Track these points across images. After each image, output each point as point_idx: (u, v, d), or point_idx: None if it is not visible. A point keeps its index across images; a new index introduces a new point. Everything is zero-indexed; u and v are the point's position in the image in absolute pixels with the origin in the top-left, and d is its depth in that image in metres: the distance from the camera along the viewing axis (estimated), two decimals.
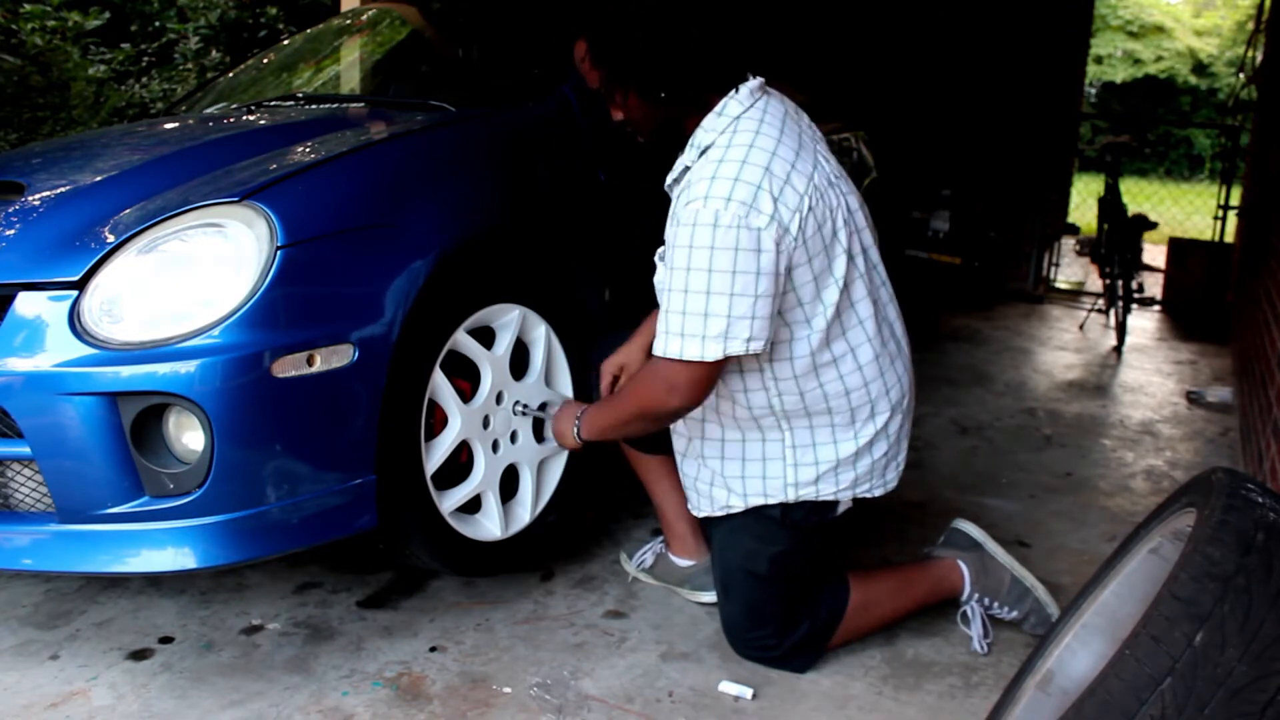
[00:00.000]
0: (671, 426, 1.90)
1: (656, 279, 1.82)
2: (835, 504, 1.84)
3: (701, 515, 1.89)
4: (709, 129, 1.69)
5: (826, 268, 1.67)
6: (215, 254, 1.68)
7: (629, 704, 1.76)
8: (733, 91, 1.69)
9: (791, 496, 1.79)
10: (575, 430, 1.89)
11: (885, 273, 1.84)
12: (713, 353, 1.58)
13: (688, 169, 1.71)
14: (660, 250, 1.80)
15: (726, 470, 1.82)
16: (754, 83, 1.71)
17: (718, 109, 1.69)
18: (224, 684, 1.79)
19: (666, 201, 1.79)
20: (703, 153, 1.68)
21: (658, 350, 1.63)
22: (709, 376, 1.63)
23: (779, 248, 1.57)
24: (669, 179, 1.78)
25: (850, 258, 1.71)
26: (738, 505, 1.82)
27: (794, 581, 1.85)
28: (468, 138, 2.20)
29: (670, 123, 1.73)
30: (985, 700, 1.79)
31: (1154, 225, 5.44)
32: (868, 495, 1.84)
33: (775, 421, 1.77)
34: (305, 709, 1.72)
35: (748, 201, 1.56)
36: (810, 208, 1.62)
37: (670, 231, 1.66)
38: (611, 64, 1.70)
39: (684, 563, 2.16)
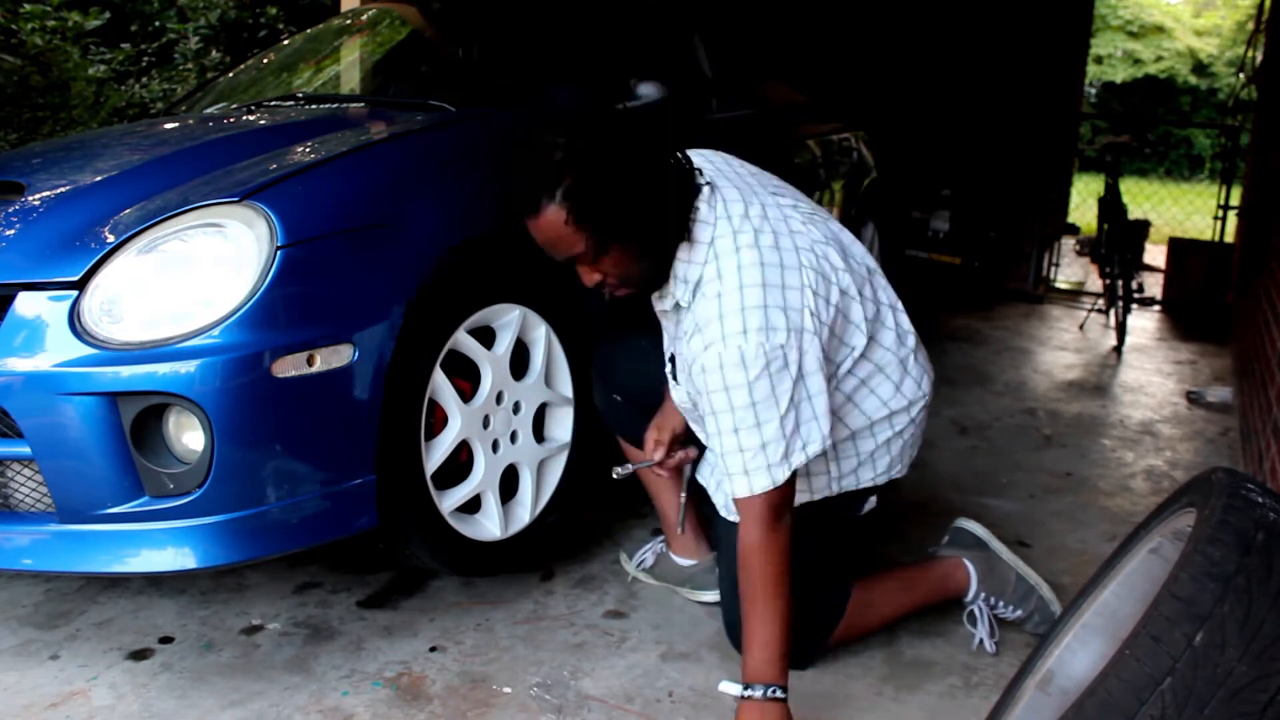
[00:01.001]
0: (707, 452, 1.91)
1: (676, 397, 1.83)
2: (865, 499, 1.88)
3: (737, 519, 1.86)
4: (689, 261, 1.62)
5: (845, 321, 1.68)
6: (215, 254, 1.68)
7: (629, 704, 1.76)
8: (692, 213, 1.62)
9: (835, 490, 1.82)
10: (752, 696, 1.59)
11: (874, 263, 1.84)
12: (781, 476, 1.58)
13: (679, 304, 1.67)
14: (670, 369, 1.82)
15: None
16: (703, 191, 1.64)
17: (687, 239, 1.62)
18: (224, 684, 1.79)
19: None
20: (695, 288, 1.63)
21: (738, 494, 1.61)
22: (787, 489, 1.62)
23: (802, 349, 1.57)
24: (660, 305, 1.74)
25: (860, 295, 1.71)
26: None
27: (807, 579, 1.84)
28: (468, 138, 2.20)
29: (658, 260, 1.63)
30: (985, 700, 1.79)
31: (1148, 225, 5.45)
32: (898, 475, 1.90)
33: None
34: (305, 709, 1.72)
35: (763, 326, 1.54)
36: (815, 291, 1.61)
37: (697, 379, 1.61)
38: (598, 220, 1.52)
39: (685, 562, 2.16)
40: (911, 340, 1.84)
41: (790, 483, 1.61)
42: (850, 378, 1.74)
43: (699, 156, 1.76)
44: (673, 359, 1.81)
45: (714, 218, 1.63)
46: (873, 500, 1.90)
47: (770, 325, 1.55)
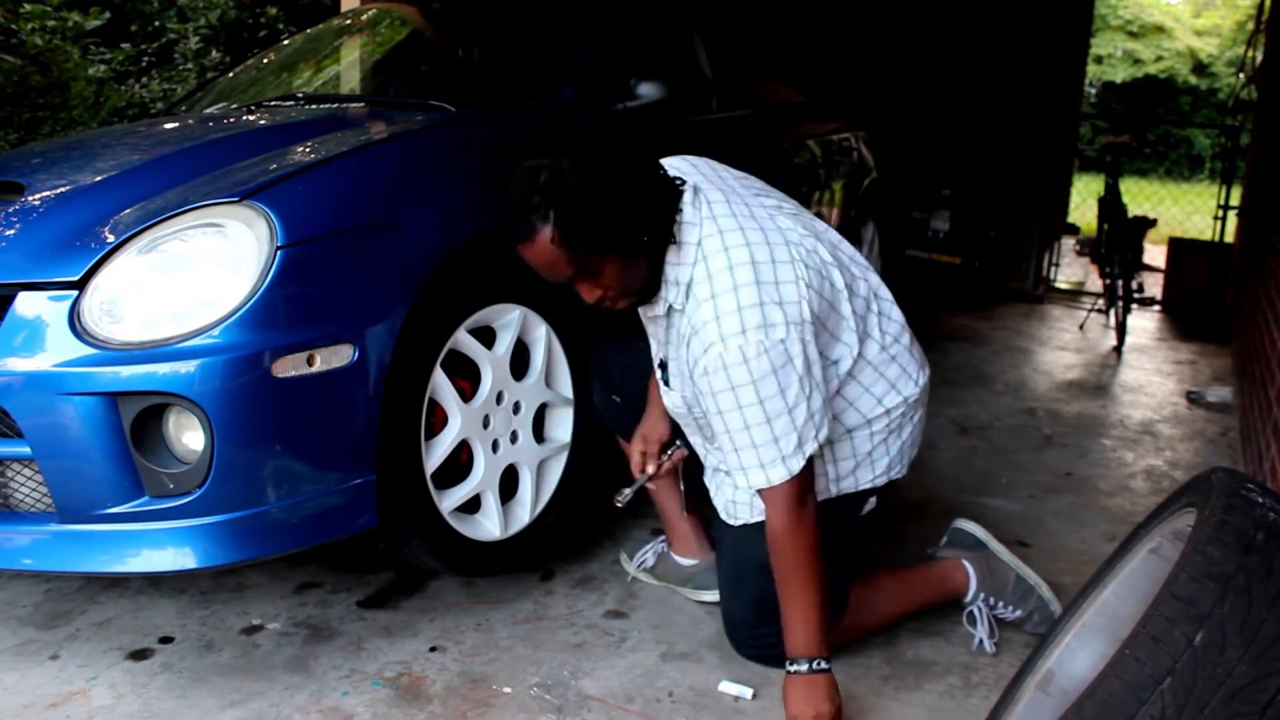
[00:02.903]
0: (703, 452, 1.91)
1: (668, 402, 1.84)
2: (864, 501, 1.87)
3: (739, 524, 1.86)
4: (678, 263, 1.64)
5: (833, 312, 1.69)
6: (215, 254, 1.68)
7: (629, 704, 1.76)
8: (679, 216, 1.64)
9: (833, 491, 1.81)
10: (799, 670, 1.64)
11: (864, 260, 1.85)
12: (796, 467, 1.61)
13: (672, 307, 1.69)
14: (660, 375, 1.83)
15: None
16: (687, 195, 1.66)
17: (676, 240, 1.64)
18: (224, 684, 1.79)
19: None
20: (687, 291, 1.64)
21: (756, 486, 1.63)
22: (806, 475, 1.64)
23: (804, 341, 1.59)
24: (650, 312, 1.75)
25: (848, 290, 1.72)
26: None
27: None
28: (468, 138, 2.20)
29: (653, 264, 1.65)
30: (985, 700, 1.79)
31: (1153, 222, 5.44)
32: (898, 477, 1.89)
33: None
34: (305, 709, 1.72)
35: (760, 323, 1.56)
36: (808, 284, 1.62)
37: (699, 382, 1.63)
38: (586, 237, 1.55)
39: (687, 562, 2.16)
40: (906, 337, 1.84)
41: (809, 468, 1.63)
42: (845, 375, 1.74)
43: (683, 162, 1.78)
44: (663, 364, 1.82)
45: (699, 219, 1.65)
46: (872, 501, 1.90)
47: (768, 322, 1.56)
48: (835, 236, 1.82)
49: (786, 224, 1.70)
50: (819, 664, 1.64)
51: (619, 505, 1.98)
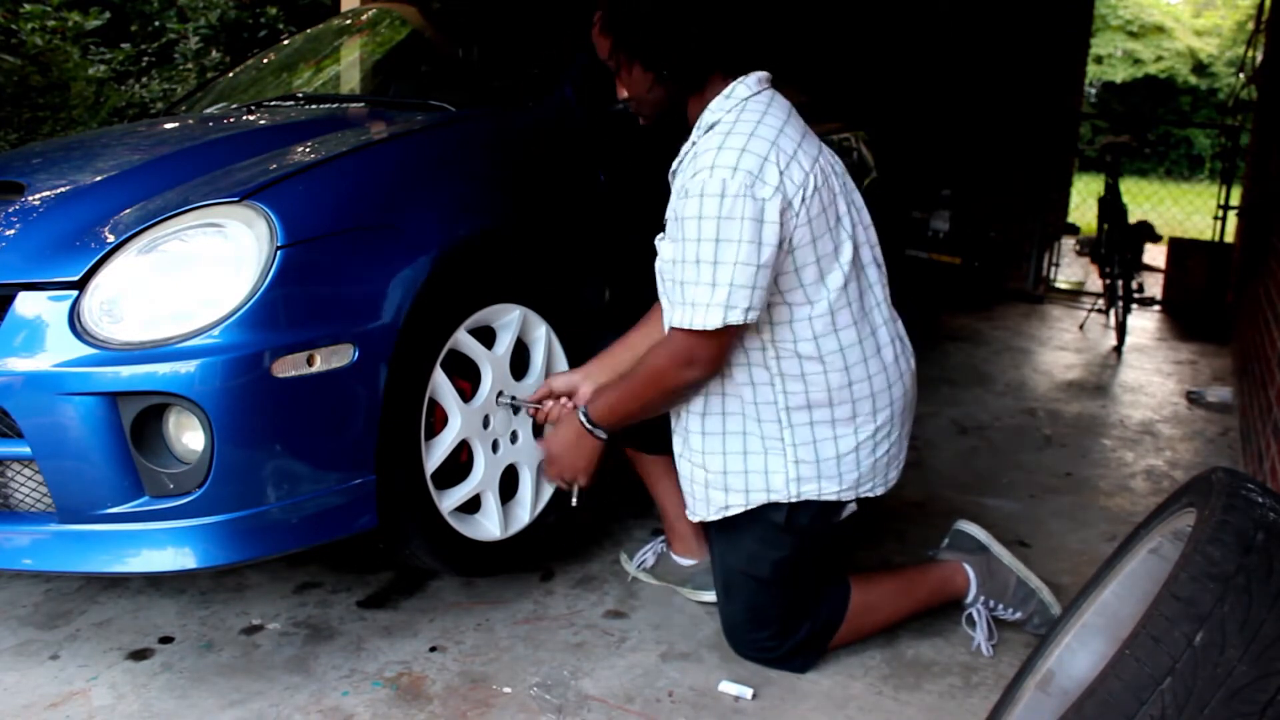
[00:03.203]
0: (673, 424, 1.90)
1: (658, 263, 1.83)
2: (841, 508, 1.84)
3: (697, 520, 1.87)
4: (715, 109, 1.71)
5: (831, 251, 1.69)
6: (215, 254, 1.68)
7: (629, 704, 1.76)
8: (741, 78, 1.72)
9: (794, 493, 1.77)
10: (584, 419, 1.82)
11: (887, 272, 1.84)
12: (714, 320, 1.61)
13: (693, 144, 1.73)
14: (659, 235, 1.83)
15: (728, 466, 1.79)
16: (762, 74, 1.74)
17: (725, 92, 1.71)
18: (224, 684, 1.79)
19: (667, 196, 1.79)
20: (709, 128, 1.70)
21: (674, 322, 1.66)
22: (720, 346, 1.66)
23: (782, 219, 1.60)
24: (674, 165, 1.79)
25: (856, 246, 1.73)
26: (737, 505, 1.79)
27: (796, 585, 1.85)
28: (468, 138, 2.20)
29: (671, 102, 1.75)
30: (985, 700, 1.79)
31: (1158, 238, 5.44)
32: (870, 494, 1.84)
33: (776, 415, 1.75)
34: (305, 709, 1.72)
35: (754, 171, 1.58)
36: (815, 188, 1.64)
37: (677, 204, 1.68)
38: (619, 32, 1.70)
39: (686, 562, 2.16)
40: (898, 346, 1.82)
41: (724, 339, 1.65)
42: (830, 337, 1.71)
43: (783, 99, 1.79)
44: (664, 224, 1.82)
45: (758, 89, 1.72)
46: (851, 507, 1.85)
47: (762, 176, 1.59)
48: (874, 235, 1.83)
49: (828, 163, 1.73)
50: (599, 432, 1.80)
51: (574, 505, 2.00)
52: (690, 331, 1.64)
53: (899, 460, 1.87)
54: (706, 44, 1.69)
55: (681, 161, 1.77)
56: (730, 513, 1.80)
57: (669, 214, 1.80)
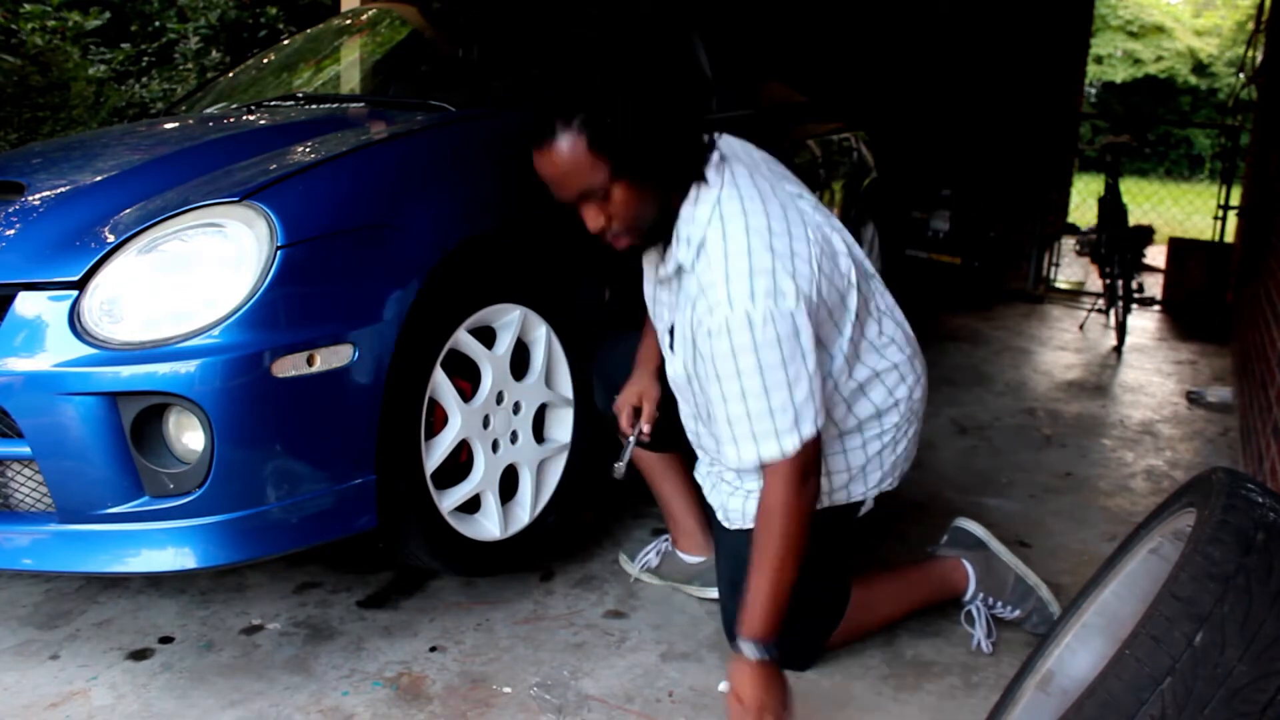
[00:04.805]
0: (696, 441, 1.90)
1: (670, 371, 1.80)
2: (858, 509, 1.87)
3: (735, 528, 1.85)
4: (692, 220, 1.61)
5: (840, 303, 1.68)
6: (215, 254, 1.68)
7: (629, 704, 1.76)
8: (700, 177, 1.61)
9: (825, 503, 1.80)
10: (765, 655, 1.58)
11: (872, 267, 1.85)
12: (791, 446, 1.56)
13: (681, 267, 1.66)
14: (667, 341, 1.79)
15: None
16: (713, 157, 1.64)
17: (691, 198, 1.61)
18: (224, 684, 1.79)
19: None
20: (699, 250, 1.61)
21: (748, 463, 1.60)
22: (812, 450, 1.60)
23: (810, 318, 1.57)
24: (662, 271, 1.72)
25: (857, 286, 1.71)
26: None
27: (804, 581, 1.84)
28: (468, 138, 2.20)
29: (663, 209, 1.62)
30: (985, 700, 1.79)
31: (1150, 238, 5.46)
32: (890, 489, 1.88)
33: None
34: (305, 709, 1.72)
35: (770, 290, 1.53)
36: (820, 267, 1.60)
37: (703, 344, 1.60)
38: (618, 152, 1.52)
39: (693, 559, 2.15)
40: (908, 349, 1.83)
41: (813, 447, 1.59)
42: (843, 375, 1.73)
43: (718, 137, 1.75)
44: (670, 330, 1.79)
45: (721, 181, 1.62)
46: (868, 504, 1.90)
47: (779, 290, 1.53)
48: (849, 236, 1.81)
49: (806, 209, 1.69)
50: (770, 651, 1.57)
51: (616, 476, 1.92)
52: (773, 464, 1.58)
53: (912, 454, 1.92)
54: (696, 137, 1.61)
55: (675, 278, 1.69)
56: None
57: (669, 326, 1.76)
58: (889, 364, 1.79)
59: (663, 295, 1.80)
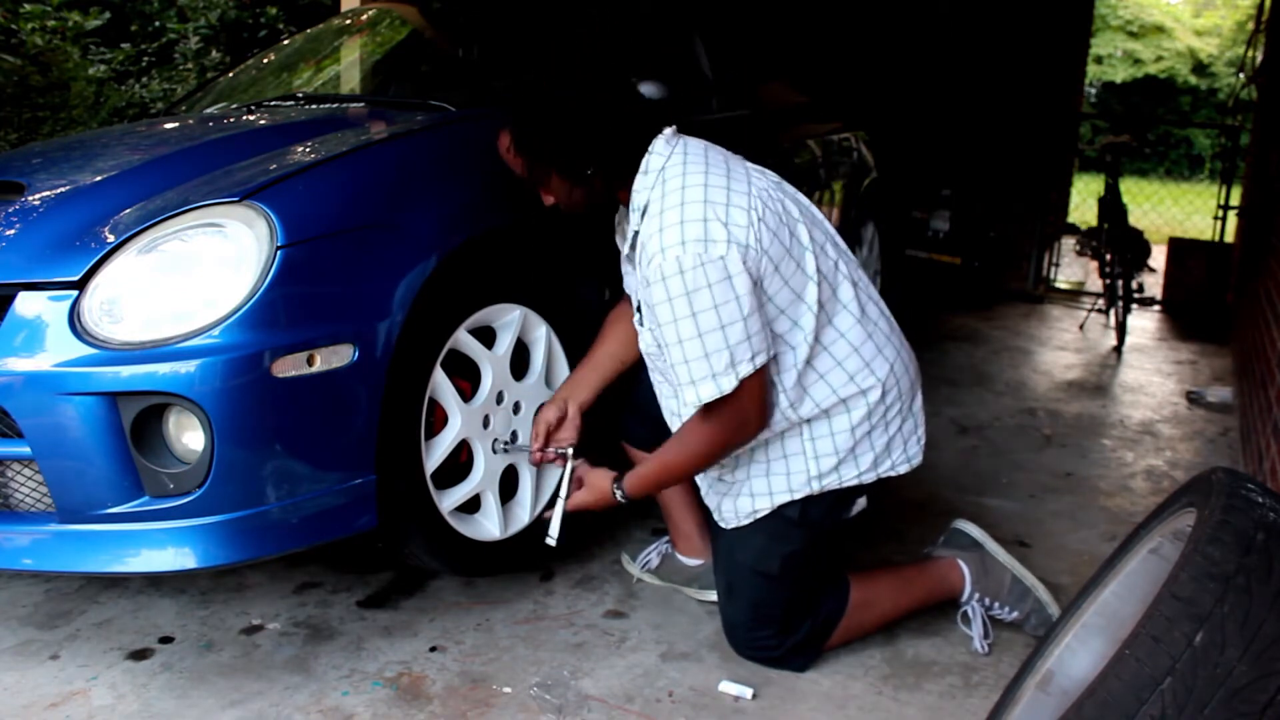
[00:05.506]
0: (673, 421, 1.90)
1: (642, 344, 1.88)
2: (852, 503, 1.86)
3: (730, 527, 1.87)
4: (639, 189, 1.72)
5: (796, 268, 1.69)
6: (215, 254, 1.68)
7: (629, 704, 1.76)
8: (650, 149, 1.72)
9: (816, 489, 1.80)
10: (620, 496, 1.84)
11: (850, 254, 1.85)
12: (728, 385, 1.62)
13: (637, 235, 1.74)
14: (637, 316, 1.85)
15: (752, 473, 1.83)
16: (667, 132, 1.75)
17: (641, 168, 1.72)
18: (224, 684, 1.79)
19: None
20: (643, 214, 1.71)
21: (696, 400, 1.65)
22: (752, 397, 1.66)
23: (745, 265, 1.60)
24: (624, 249, 1.83)
25: (817, 249, 1.73)
26: (764, 509, 1.82)
27: (801, 582, 1.85)
28: (468, 138, 2.20)
29: (602, 195, 1.79)
30: (985, 700, 1.79)
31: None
32: (892, 473, 1.86)
33: (798, 430, 1.79)
34: (305, 709, 1.72)
35: (700, 237, 1.59)
36: (760, 218, 1.64)
37: (643, 294, 1.71)
38: (532, 151, 1.75)
39: (692, 562, 2.16)
40: (885, 324, 1.84)
41: (752, 389, 1.65)
42: (819, 347, 1.74)
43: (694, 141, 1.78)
44: (639, 307, 1.83)
45: (669, 151, 1.72)
46: (862, 502, 1.89)
47: (709, 237, 1.59)
48: (828, 225, 1.83)
49: (762, 182, 1.72)
50: (624, 497, 1.83)
51: (551, 545, 1.93)
52: (719, 401, 1.64)
53: (919, 435, 1.92)
54: (622, 141, 1.72)
55: (632, 248, 1.77)
56: (759, 515, 1.82)
57: (637, 303, 1.84)
58: (864, 334, 1.77)
59: (630, 269, 1.87)
